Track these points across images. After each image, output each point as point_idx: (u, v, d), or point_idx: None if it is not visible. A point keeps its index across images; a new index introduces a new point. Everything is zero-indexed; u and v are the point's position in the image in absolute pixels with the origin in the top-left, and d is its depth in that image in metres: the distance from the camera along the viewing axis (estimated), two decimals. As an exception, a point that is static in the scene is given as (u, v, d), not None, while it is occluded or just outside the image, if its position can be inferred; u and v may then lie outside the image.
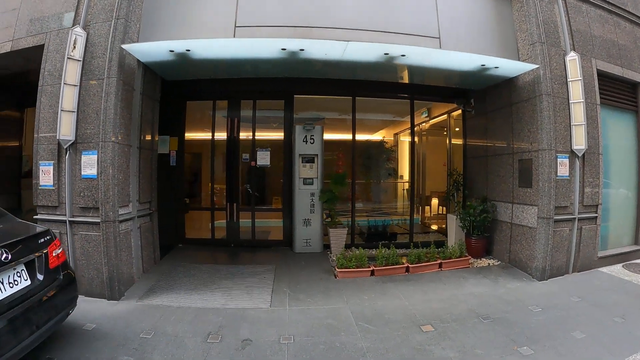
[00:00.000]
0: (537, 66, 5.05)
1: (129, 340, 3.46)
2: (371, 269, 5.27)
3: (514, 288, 4.80)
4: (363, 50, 4.80)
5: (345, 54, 4.84)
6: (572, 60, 5.23)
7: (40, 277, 3.03)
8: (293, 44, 4.57)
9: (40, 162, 4.52)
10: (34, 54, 4.71)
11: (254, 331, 3.64)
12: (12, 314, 2.64)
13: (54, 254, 3.23)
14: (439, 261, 5.53)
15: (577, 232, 5.34)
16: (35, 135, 4.57)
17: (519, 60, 5.38)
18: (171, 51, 4.58)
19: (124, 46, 4.42)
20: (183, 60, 4.88)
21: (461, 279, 5.10)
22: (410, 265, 5.37)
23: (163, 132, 6.46)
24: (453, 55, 4.95)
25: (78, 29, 4.44)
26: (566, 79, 5.24)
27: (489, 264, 5.80)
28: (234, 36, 4.91)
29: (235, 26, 4.95)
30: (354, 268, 5.24)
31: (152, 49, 4.58)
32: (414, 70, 5.74)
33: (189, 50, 4.58)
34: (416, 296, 4.52)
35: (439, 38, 5.29)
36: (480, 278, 5.13)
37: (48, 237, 3.26)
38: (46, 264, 3.12)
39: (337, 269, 5.27)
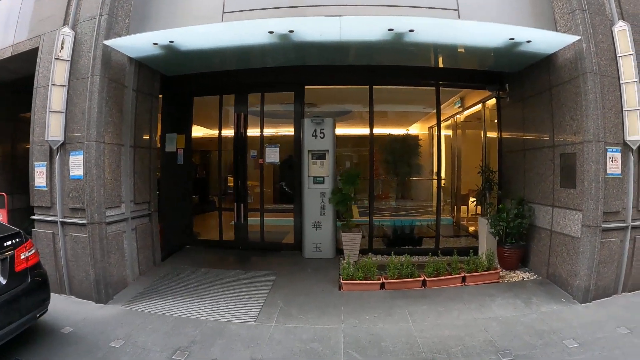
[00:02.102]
0: (578, 38, 4.05)
1: (97, 348, 3.32)
2: (381, 281, 4.61)
3: (549, 312, 3.89)
4: (362, 27, 4.20)
5: (343, 33, 4.26)
6: (621, 30, 4.19)
7: (2, 280, 3.01)
8: (280, 25, 4.06)
9: (35, 163, 4.55)
10: (34, 58, 4.72)
11: (225, 350, 3.30)
12: None
13: (21, 257, 3.21)
14: (462, 274, 4.72)
15: (630, 243, 4.27)
16: (31, 137, 4.60)
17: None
18: (155, 44, 4.33)
19: (106, 42, 4.25)
20: (173, 52, 4.62)
21: (487, 297, 4.26)
22: (427, 279, 4.63)
23: (172, 130, 6.33)
24: (473, 27, 4.16)
25: (66, 29, 4.38)
26: (615, 54, 4.20)
27: (523, 278, 4.86)
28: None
29: (224, 12, 4.59)
30: (361, 280, 4.62)
31: (135, 43, 4.36)
32: (432, 49, 4.98)
33: (172, 42, 4.29)
34: (427, 318, 3.83)
35: (457, 10, 4.49)
36: (509, 297, 4.25)
37: (17, 240, 3.24)
38: (11, 267, 3.09)
39: (342, 280, 4.69)
